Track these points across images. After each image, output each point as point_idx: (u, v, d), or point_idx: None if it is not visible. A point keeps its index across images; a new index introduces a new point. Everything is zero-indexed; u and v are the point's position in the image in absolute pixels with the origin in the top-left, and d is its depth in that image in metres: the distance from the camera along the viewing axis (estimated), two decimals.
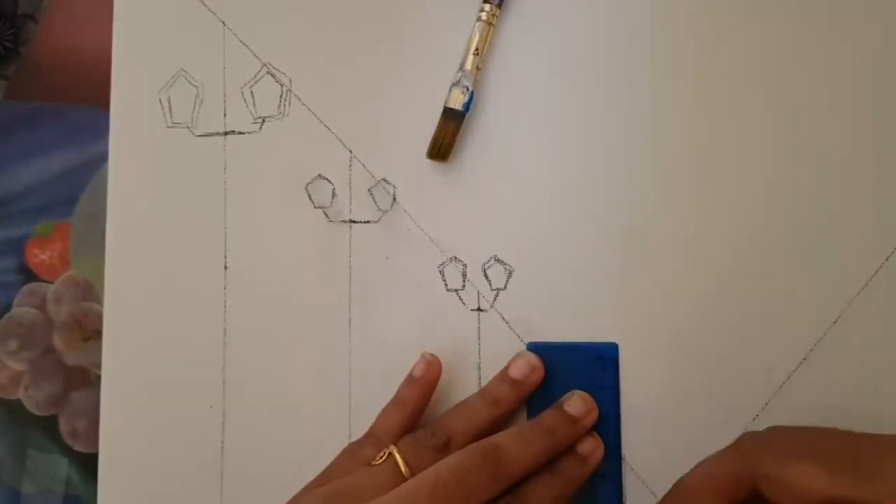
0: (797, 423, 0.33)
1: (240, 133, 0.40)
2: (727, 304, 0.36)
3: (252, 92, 0.40)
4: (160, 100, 0.41)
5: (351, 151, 0.39)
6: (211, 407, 0.39)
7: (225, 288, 0.40)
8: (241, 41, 0.40)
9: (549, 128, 0.38)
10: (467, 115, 0.38)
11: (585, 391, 0.36)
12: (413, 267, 0.38)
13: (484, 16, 0.38)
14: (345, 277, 0.39)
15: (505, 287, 0.38)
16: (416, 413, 0.36)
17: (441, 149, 0.38)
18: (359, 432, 0.36)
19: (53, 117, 0.42)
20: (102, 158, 0.41)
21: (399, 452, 0.33)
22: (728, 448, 0.32)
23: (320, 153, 0.39)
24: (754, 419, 0.35)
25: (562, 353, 0.36)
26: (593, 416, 0.35)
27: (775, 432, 0.32)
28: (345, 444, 0.36)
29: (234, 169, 0.40)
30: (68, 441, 0.41)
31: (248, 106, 0.40)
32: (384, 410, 0.36)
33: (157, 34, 0.41)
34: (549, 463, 0.34)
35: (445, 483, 0.31)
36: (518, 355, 0.36)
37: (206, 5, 0.41)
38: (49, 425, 0.41)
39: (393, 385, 0.37)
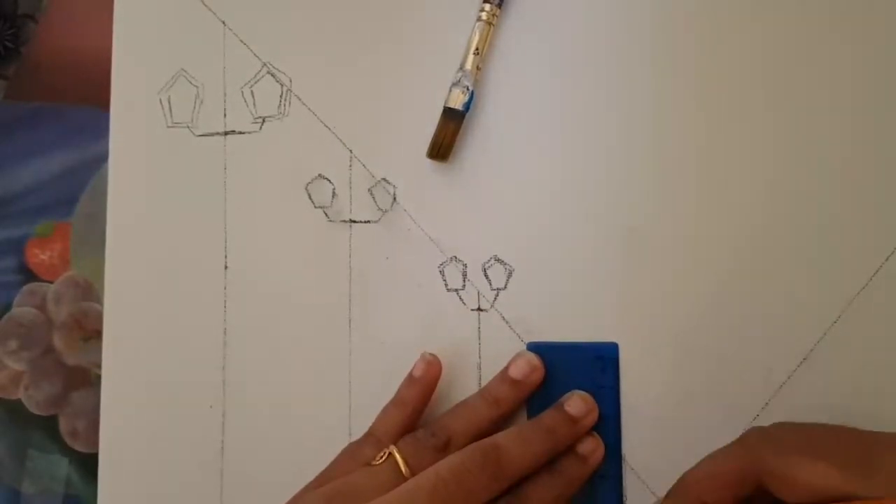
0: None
1: (240, 133, 0.40)
2: (727, 304, 0.36)
3: (252, 92, 0.40)
4: (160, 100, 0.41)
5: (351, 151, 0.39)
6: (211, 407, 0.39)
7: (225, 288, 0.40)
8: (242, 41, 0.40)
9: (549, 128, 0.38)
10: (467, 115, 0.38)
11: (585, 391, 0.36)
12: (413, 267, 0.38)
13: (484, 16, 0.38)
14: (345, 277, 0.39)
15: (505, 287, 0.38)
16: (416, 413, 0.36)
17: (441, 149, 0.38)
18: (359, 432, 0.36)
19: (53, 117, 0.42)
20: (102, 158, 0.41)
21: (399, 452, 0.33)
22: (733, 444, 0.32)
23: (320, 153, 0.39)
24: (754, 419, 0.35)
25: (562, 353, 0.36)
26: (593, 416, 0.35)
27: (781, 429, 0.32)
28: (345, 444, 0.36)
29: (234, 169, 0.40)
30: (68, 441, 0.41)
31: (248, 106, 0.40)
32: (384, 410, 0.36)
33: (157, 34, 0.41)
34: (549, 463, 0.34)
35: (445, 483, 0.31)
36: (518, 355, 0.36)
37: (206, 5, 0.41)
38: (49, 425, 0.41)
39: (393, 385, 0.37)
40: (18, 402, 0.41)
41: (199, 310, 0.40)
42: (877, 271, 0.35)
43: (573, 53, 0.38)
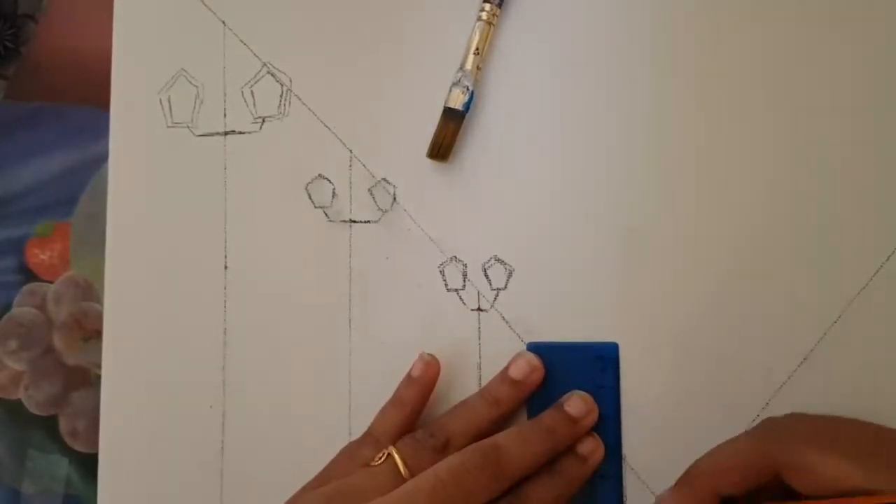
0: None
1: (240, 133, 0.40)
2: (727, 304, 0.36)
3: (252, 92, 0.40)
4: (160, 100, 0.41)
5: (351, 151, 0.39)
6: (211, 407, 0.39)
7: (225, 288, 0.40)
8: (242, 41, 0.40)
9: (549, 128, 0.38)
10: (467, 115, 0.38)
11: (585, 391, 0.36)
12: (413, 267, 0.38)
13: (484, 16, 0.38)
14: (345, 277, 0.39)
15: (505, 287, 0.38)
16: (415, 413, 0.36)
17: (441, 149, 0.38)
18: (359, 432, 0.36)
19: (53, 117, 0.42)
20: (102, 158, 0.41)
21: (398, 453, 0.33)
22: (748, 434, 0.31)
23: (320, 153, 0.39)
24: (754, 419, 0.35)
25: (562, 353, 0.36)
26: (593, 417, 0.35)
27: (798, 420, 0.32)
28: (345, 444, 0.36)
29: (234, 169, 0.40)
30: (68, 441, 0.41)
31: (248, 106, 0.40)
32: (382, 410, 0.36)
33: (157, 34, 0.41)
34: (549, 463, 0.34)
35: (445, 484, 0.31)
36: (518, 355, 0.36)
37: (206, 5, 0.41)
38: (49, 425, 0.41)
39: (393, 385, 0.37)
40: (18, 402, 0.41)
41: (199, 310, 0.40)
42: (877, 271, 0.35)
43: (573, 53, 0.38)
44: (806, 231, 0.36)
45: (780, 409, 0.35)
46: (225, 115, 0.40)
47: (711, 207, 0.36)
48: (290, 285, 0.39)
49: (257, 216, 0.40)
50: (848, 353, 0.35)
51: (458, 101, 0.37)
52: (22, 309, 0.42)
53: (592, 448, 0.35)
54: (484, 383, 0.37)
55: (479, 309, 0.38)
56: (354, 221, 0.39)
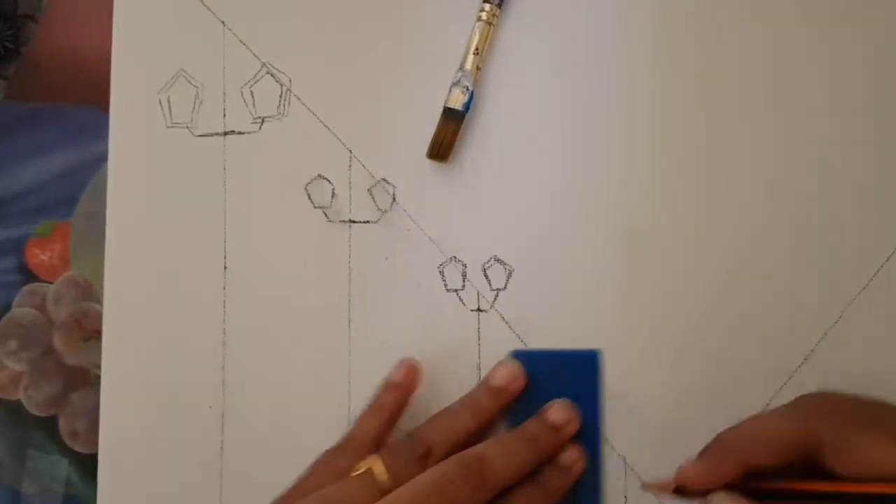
0: None
1: (240, 133, 0.40)
2: (727, 304, 0.36)
3: (252, 92, 0.40)
4: (160, 100, 0.41)
5: (351, 151, 0.39)
6: (210, 407, 0.39)
7: (225, 288, 0.40)
8: (241, 41, 0.40)
9: (549, 128, 0.38)
10: (467, 115, 0.38)
11: (567, 399, 0.35)
12: (413, 267, 0.38)
13: (484, 16, 0.38)
14: (344, 277, 0.39)
15: (505, 287, 0.38)
16: (393, 419, 0.35)
17: (441, 149, 0.38)
18: None
19: (53, 117, 0.42)
20: (102, 158, 0.41)
21: (378, 463, 0.32)
22: (787, 407, 0.30)
23: (320, 153, 0.39)
24: None
25: (543, 360, 0.36)
26: (575, 424, 0.35)
27: (840, 399, 0.30)
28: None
29: (233, 169, 0.40)
30: (68, 441, 0.41)
31: (247, 106, 0.40)
32: (360, 418, 0.36)
33: (157, 34, 0.41)
34: (532, 473, 0.34)
35: (428, 496, 0.30)
36: (499, 364, 0.36)
37: (206, 5, 0.41)
38: (49, 425, 0.41)
39: None
40: (18, 403, 0.41)
41: (199, 310, 0.40)
42: (877, 271, 0.35)
43: (573, 53, 0.38)
44: (806, 231, 0.36)
45: None
46: (224, 115, 0.40)
47: (711, 207, 0.36)
48: (290, 285, 0.39)
49: (257, 216, 0.40)
50: (848, 353, 0.35)
51: (457, 102, 0.37)
52: (22, 309, 0.42)
53: (575, 458, 0.35)
54: None
55: (478, 309, 0.38)
56: (354, 221, 0.39)
